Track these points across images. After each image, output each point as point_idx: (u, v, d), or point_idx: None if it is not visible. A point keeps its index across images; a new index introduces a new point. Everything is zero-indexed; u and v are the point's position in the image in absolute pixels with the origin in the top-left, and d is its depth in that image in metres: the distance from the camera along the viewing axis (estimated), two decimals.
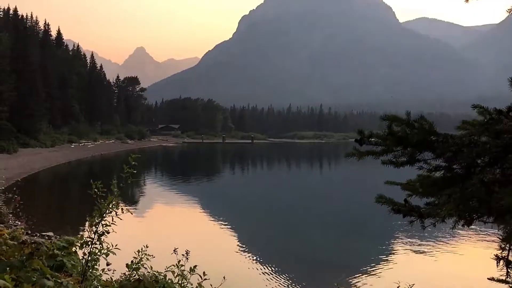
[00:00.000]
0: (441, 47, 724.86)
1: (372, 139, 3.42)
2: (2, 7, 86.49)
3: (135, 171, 4.89)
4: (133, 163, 4.85)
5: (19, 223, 20.64)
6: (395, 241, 20.08)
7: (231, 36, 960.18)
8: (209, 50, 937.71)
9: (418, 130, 3.31)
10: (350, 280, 14.47)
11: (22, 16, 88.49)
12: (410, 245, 19.09)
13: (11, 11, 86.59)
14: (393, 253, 18.24)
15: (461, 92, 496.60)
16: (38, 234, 17.38)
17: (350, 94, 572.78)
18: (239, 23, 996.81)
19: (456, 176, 3.29)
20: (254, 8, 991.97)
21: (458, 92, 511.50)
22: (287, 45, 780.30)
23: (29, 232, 17.81)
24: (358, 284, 14.00)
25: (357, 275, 15.06)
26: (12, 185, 34.12)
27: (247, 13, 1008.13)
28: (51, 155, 61.59)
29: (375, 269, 15.77)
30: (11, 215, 21.89)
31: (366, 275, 15.09)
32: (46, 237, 16.77)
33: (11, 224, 19.18)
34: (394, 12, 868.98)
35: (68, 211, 28.05)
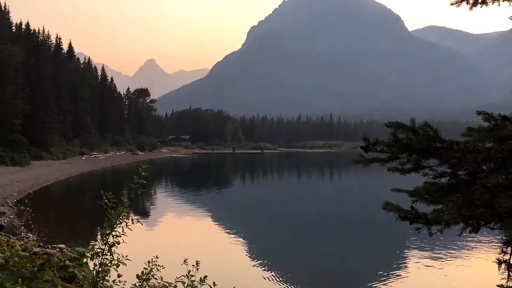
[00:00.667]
0: (451, 55, 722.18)
1: (378, 146, 3.43)
2: (15, 22, 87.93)
3: (145, 182, 4.94)
4: (143, 173, 4.90)
5: (31, 235, 20.83)
6: (405, 250, 19.89)
7: (240, 47, 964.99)
8: (218, 61, 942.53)
9: (422, 137, 3.31)
10: None
11: (34, 30, 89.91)
12: (420, 254, 18.89)
13: (23, 26, 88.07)
14: (404, 262, 18.04)
15: (471, 100, 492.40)
16: (50, 246, 17.46)
17: (360, 103, 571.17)
18: (248, 34, 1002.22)
19: (461, 182, 3.30)
20: (263, 19, 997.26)
21: (468, 99, 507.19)
22: (296, 55, 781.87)
23: (41, 244, 17.92)
24: None
25: (369, 284, 14.91)
26: (25, 198, 34.44)
27: (256, 24, 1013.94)
28: (63, 167, 62.08)
29: (387, 278, 15.62)
30: (23, 227, 22.10)
31: (377, 284, 14.95)
32: (58, 249, 16.93)
33: (23, 236, 19.37)
34: (402, 20, 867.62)
35: (80, 223, 28.19)
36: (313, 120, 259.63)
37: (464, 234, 3.53)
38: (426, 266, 17.21)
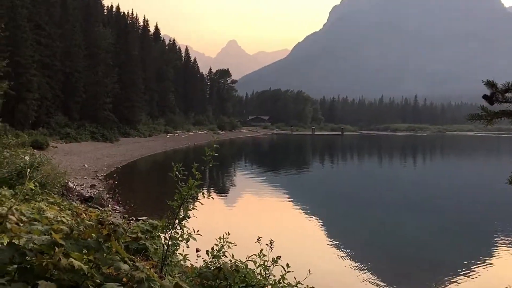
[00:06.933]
0: None
1: (510, 94, 2.40)
2: (106, 5, 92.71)
3: (217, 154, 4.70)
4: (214, 145, 4.67)
5: (117, 207, 21.91)
6: (493, 242, 18.25)
7: (321, 27, 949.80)
8: (299, 42, 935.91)
9: None
10: (449, 281, 13.33)
11: (124, 13, 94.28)
12: (509, 248, 17.25)
13: (114, 9, 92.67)
14: (502, 255, 16.55)
15: None
16: (134, 218, 18.21)
17: (448, 85, 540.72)
18: (330, 13, 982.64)
19: None
20: None
21: None
22: (380, 35, 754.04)
23: (126, 216, 18.74)
24: (460, 286, 12.81)
25: (458, 276, 13.80)
26: (113, 172, 36.50)
27: (338, 3, 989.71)
28: (148, 144, 65.15)
29: (479, 271, 14.40)
30: (110, 199, 23.31)
31: (467, 276, 13.82)
32: (141, 221, 17.55)
33: (110, 209, 20.37)
34: None
35: (165, 197, 29.05)
36: (397, 102, 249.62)
37: None
38: None
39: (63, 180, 18.98)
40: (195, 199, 4.59)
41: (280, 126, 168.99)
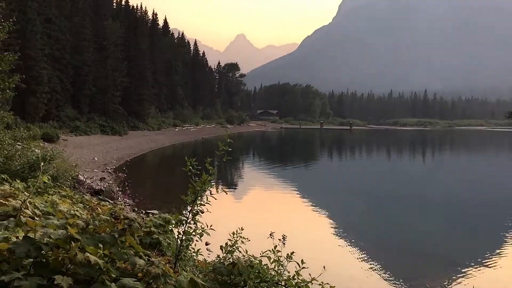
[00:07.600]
0: None
1: None
2: None
3: (231, 149, 4.66)
4: (228, 140, 4.63)
5: (127, 200, 21.98)
6: (506, 239, 18.07)
7: (330, 20, 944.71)
8: (308, 36, 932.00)
9: None
10: (462, 278, 13.20)
11: (133, 6, 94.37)
12: None
13: (123, 2, 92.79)
14: (502, 251, 16.36)
15: None
16: (144, 212, 18.25)
17: (459, 80, 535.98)
18: (339, 7, 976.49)
19: None
20: None
21: None
22: (389, 29, 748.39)
23: (136, 209, 18.81)
24: (473, 285, 12.67)
25: (471, 274, 13.60)
26: (123, 165, 36.60)
27: None
28: (157, 138, 65.26)
29: (492, 269, 14.21)
30: (120, 192, 23.39)
31: (481, 274, 13.64)
32: (151, 215, 17.36)
33: (120, 202, 20.44)
34: None
35: (174, 190, 29.15)
36: (406, 96, 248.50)
37: None
38: None
39: (74, 173, 19.06)
40: (209, 193, 4.56)
41: (288, 120, 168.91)
